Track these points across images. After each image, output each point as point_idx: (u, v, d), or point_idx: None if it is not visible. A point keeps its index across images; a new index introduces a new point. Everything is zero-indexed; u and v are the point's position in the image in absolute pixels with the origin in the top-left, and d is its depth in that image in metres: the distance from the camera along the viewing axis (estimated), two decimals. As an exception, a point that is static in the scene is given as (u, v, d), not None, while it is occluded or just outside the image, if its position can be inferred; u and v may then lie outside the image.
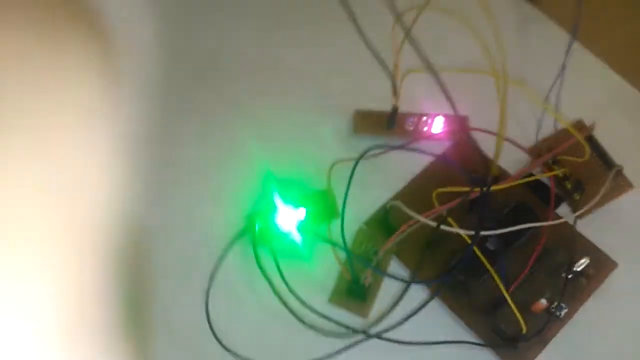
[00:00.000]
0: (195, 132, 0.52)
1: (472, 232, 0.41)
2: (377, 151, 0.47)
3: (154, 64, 0.55)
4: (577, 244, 0.45)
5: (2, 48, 0.40)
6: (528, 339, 0.42)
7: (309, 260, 0.46)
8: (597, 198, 0.44)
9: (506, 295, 0.42)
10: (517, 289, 0.43)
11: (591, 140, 0.48)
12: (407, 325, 0.43)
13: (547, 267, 0.44)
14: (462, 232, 0.42)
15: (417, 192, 0.48)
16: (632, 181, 0.48)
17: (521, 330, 0.42)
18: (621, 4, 0.57)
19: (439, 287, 0.44)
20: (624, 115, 0.51)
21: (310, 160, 0.50)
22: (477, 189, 0.42)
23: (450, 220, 0.44)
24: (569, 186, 0.47)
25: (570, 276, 0.44)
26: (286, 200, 0.46)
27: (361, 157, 0.47)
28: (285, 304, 0.44)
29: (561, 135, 0.49)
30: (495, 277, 0.42)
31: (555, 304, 0.43)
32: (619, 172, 0.47)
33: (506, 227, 0.42)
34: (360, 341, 0.43)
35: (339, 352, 0.43)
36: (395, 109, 0.49)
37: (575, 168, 0.47)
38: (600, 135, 0.49)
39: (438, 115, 0.50)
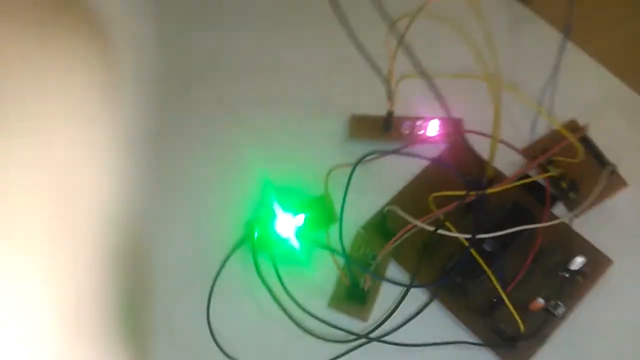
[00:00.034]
0: (193, 140, 0.53)
1: (469, 236, 0.42)
2: (373, 156, 0.48)
3: (153, 66, 0.56)
4: (573, 243, 0.46)
5: (3, 49, 0.41)
6: (526, 338, 0.42)
7: (308, 266, 0.47)
8: (592, 197, 0.45)
9: (503, 295, 0.42)
10: (515, 289, 0.44)
11: (585, 140, 0.49)
12: (406, 328, 0.44)
13: (544, 267, 0.45)
14: (459, 235, 0.42)
15: (413, 196, 0.48)
16: (627, 179, 0.48)
17: (519, 329, 0.42)
18: (614, 3, 0.57)
19: (438, 290, 0.45)
20: (618, 113, 0.52)
21: (307, 166, 0.50)
22: (473, 193, 0.43)
23: (447, 223, 0.44)
24: (564, 186, 0.48)
25: (567, 275, 0.44)
26: (284, 207, 0.47)
27: (358, 162, 0.47)
28: (285, 310, 0.44)
29: (555, 136, 0.49)
30: (493, 279, 0.42)
31: (553, 302, 0.43)
32: (613, 171, 0.48)
33: (503, 228, 0.42)
34: (361, 345, 0.44)
35: (340, 356, 0.44)
36: (390, 114, 0.50)
37: (570, 168, 0.47)
38: (594, 134, 0.49)
39: (433, 118, 0.51)
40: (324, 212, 0.48)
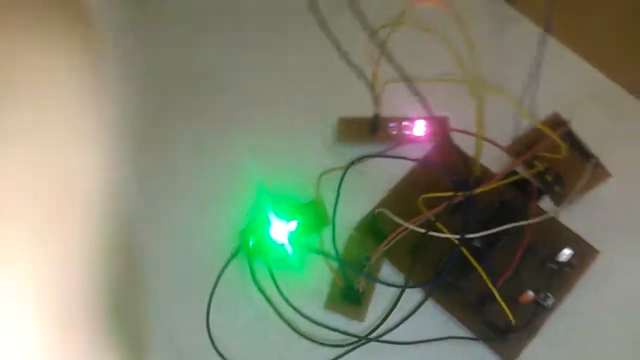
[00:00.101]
0: (185, 150, 0.54)
1: (459, 236, 0.43)
2: (364, 160, 0.49)
3: (144, 75, 0.57)
4: (561, 235, 0.47)
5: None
6: (518, 330, 0.44)
7: (301, 271, 0.48)
8: (577, 189, 0.46)
9: (494, 290, 0.43)
10: (505, 283, 0.45)
11: (569, 134, 0.50)
12: (402, 327, 0.45)
13: (533, 260, 0.46)
14: (449, 236, 0.43)
15: (402, 197, 0.49)
16: (610, 170, 0.49)
17: (510, 322, 0.43)
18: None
19: (432, 289, 0.46)
20: (600, 105, 0.53)
21: (297, 170, 0.51)
22: (461, 194, 0.44)
23: (438, 224, 0.46)
24: (549, 179, 0.49)
25: (555, 267, 0.45)
26: (278, 213, 0.48)
27: (349, 166, 0.48)
28: (282, 314, 0.46)
29: (539, 131, 0.49)
30: (483, 275, 0.44)
31: (542, 294, 0.44)
32: (597, 164, 0.49)
33: (491, 224, 0.43)
34: (358, 346, 0.45)
35: (339, 356, 0.45)
36: (377, 116, 0.51)
37: (554, 162, 0.48)
38: (577, 127, 0.50)
39: (419, 118, 0.52)
40: (316, 216, 0.49)
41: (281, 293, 0.46)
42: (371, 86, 0.47)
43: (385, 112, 0.51)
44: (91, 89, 0.58)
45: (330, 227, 0.48)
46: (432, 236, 0.44)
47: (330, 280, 0.47)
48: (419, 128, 0.52)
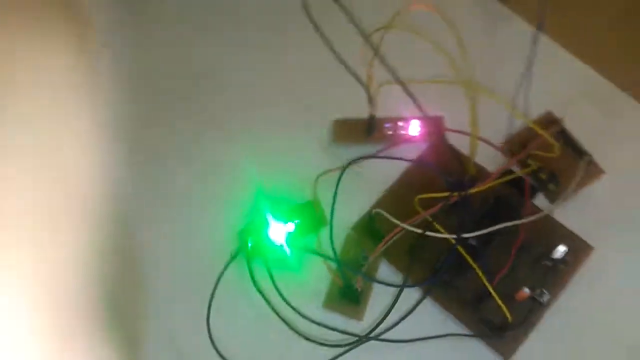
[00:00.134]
0: (181, 154, 0.54)
1: (455, 236, 0.43)
2: (360, 161, 0.50)
3: (142, 77, 0.57)
4: (555, 232, 0.48)
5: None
6: (514, 327, 0.44)
7: (300, 271, 0.48)
8: (571, 187, 0.46)
9: (490, 288, 0.44)
10: (501, 280, 0.45)
11: (562, 132, 0.50)
12: (401, 325, 0.46)
13: (528, 257, 0.47)
14: (445, 236, 0.44)
15: (398, 197, 0.50)
16: (604, 167, 0.50)
17: (507, 319, 0.44)
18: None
19: (429, 288, 0.47)
20: (592, 103, 0.53)
21: (294, 172, 0.52)
22: (456, 194, 0.44)
23: (435, 224, 0.46)
24: (543, 177, 0.49)
25: (550, 264, 0.46)
26: (276, 214, 0.48)
27: (346, 167, 0.49)
28: (282, 315, 0.46)
29: (533, 129, 0.50)
30: (479, 273, 0.44)
31: (538, 291, 0.45)
32: (590, 161, 0.49)
33: (487, 223, 0.44)
34: (358, 344, 0.46)
35: (338, 356, 0.45)
36: (372, 117, 0.51)
37: (548, 160, 0.49)
38: (570, 124, 0.51)
39: (414, 118, 0.52)
40: (314, 216, 0.50)
41: (280, 293, 0.46)
42: (366, 88, 0.47)
43: (380, 113, 0.51)
44: (86, 90, 0.59)
45: (328, 227, 0.48)
46: (428, 236, 0.45)
47: (329, 280, 0.48)
48: (414, 128, 0.52)
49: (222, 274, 0.48)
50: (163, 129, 0.55)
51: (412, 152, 0.52)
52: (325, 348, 0.45)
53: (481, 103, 0.44)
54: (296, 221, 0.48)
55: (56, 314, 0.48)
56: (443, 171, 0.48)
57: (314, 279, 0.48)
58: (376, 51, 0.41)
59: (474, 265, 0.45)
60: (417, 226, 0.45)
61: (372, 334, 0.46)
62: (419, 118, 0.52)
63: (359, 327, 0.46)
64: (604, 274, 0.47)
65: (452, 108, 0.48)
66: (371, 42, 0.41)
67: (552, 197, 0.49)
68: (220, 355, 0.46)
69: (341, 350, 0.45)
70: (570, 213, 0.48)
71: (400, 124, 0.53)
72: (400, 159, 0.50)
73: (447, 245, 0.45)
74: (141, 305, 0.48)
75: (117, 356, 0.46)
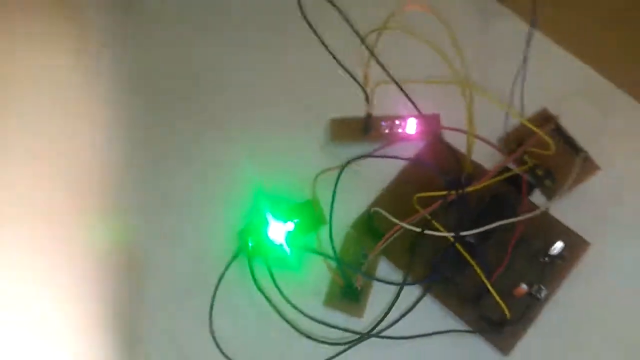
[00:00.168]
0: (180, 156, 0.54)
1: (453, 234, 0.44)
2: (358, 160, 0.50)
3: (142, 77, 0.57)
4: (552, 229, 0.48)
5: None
6: (513, 323, 0.45)
7: (300, 270, 0.49)
8: (567, 184, 0.47)
9: (488, 285, 0.44)
10: (499, 277, 0.46)
11: (557, 128, 0.51)
12: (401, 322, 0.46)
13: (526, 253, 0.47)
14: (444, 234, 0.44)
15: (396, 195, 0.51)
16: (599, 163, 0.50)
17: (506, 315, 0.45)
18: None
19: (429, 285, 0.47)
20: (587, 99, 0.54)
21: (292, 171, 0.52)
22: (454, 193, 0.45)
23: (434, 222, 0.47)
24: (540, 173, 0.50)
25: (547, 260, 0.47)
26: (276, 214, 0.49)
27: (345, 166, 0.49)
28: (283, 314, 0.47)
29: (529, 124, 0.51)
30: (478, 271, 0.45)
31: (536, 287, 0.46)
32: (586, 158, 0.50)
33: (484, 219, 0.44)
34: (359, 342, 0.46)
35: (340, 353, 0.46)
36: (369, 116, 0.52)
37: (544, 157, 0.49)
38: (565, 121, 0.52)
39: (411, 116, 0.53)
40: (313, 215, 0.50)
41: (281, 292, 0.47)
42: (362, 87, 0.47)
43: (377, 112, 0.52)
44: (86, 90, 0.59)
45: (328, 226, 0.49)
46: (427, 233, 0.45)
47: (329, 279, 0.48)
48: (411, 126, 0.53)
49: (223, 273, 0.48)
50: (163, 129, 0.55)
51: (409, 151, 0.52)
52: (327, 346, 0.46)
53: (477, 101, 0.44)
54: (296, 220, 0.49)
55: (63, 315, 0.48)
56: (440, 169, 0.48)
57: (314, 278, 0.48)
58: (372, 52, 0.42)
59: (473, 263, 0.45)
60: (416, 224, 0.45)
61: (374, 331, 0.46)
62: (415, 116, 0.52)
63: (360, 324, 0.47)
64: (600, 269, 0.48)
65: (448, 106, 0.48)
66: (367, 44, 0.42)
67: (549, 194, 0.50)
68: (223, 354, 0.46)
69: (343, 347, 0.46)
70: (566, 209, 0.49)
71: (397, 122, 0.53)
72: (398, 157, 0.51)
73: (446, 243, 0.45)
74: (143, 305, 0.49)
75: (119, 356, 0.47)
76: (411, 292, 0.47)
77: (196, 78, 0.58)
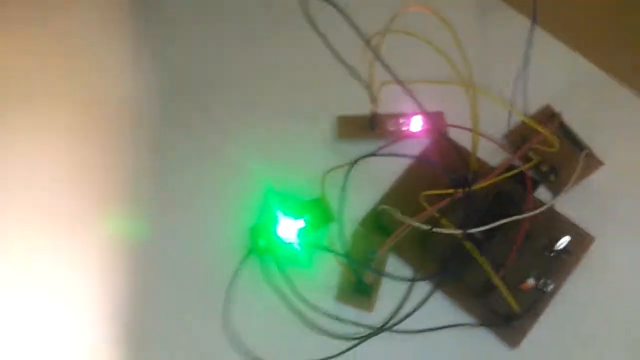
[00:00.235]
0: (186, 156, 0.55)
1: (461, 231, 0.44)
2: (366, 158, 0.51)
3: (152, 80, 0.58)
4: (557, 224, 0.49)
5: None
6: (520, 316, 0.46)
7: (310, 267, 0.49)
8: (572, 180, 0.47)
9: (496, 280, 0.45)
10: (507, 272, 0.46)
11: (560, 125, 0.51)
12: (411, 317, 0.47)
13: (532, 248, 0.48)
14: (452, 232, 0.45)
15: (403, 192, 0.51)
16: (602, 157, 0.51)
17: (513, 309, 0.45)
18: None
19: (439, 281, 0.48)
20: (589, 94, 0.55)
21: (300, 169, 0.53)
22: (461, 190, 0.46)
23: (442, 221, 0.47)
24: (544, 169, 0.51)
25: (553, 254, 0.48)
26: (285, 211, 0.49)
27: (353, 164, 0.50)
28: (296, 311, 0.47)
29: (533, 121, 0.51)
30: (486, 267, 0.46)
31: (542, 281, 0.47)
32: (589, 153, 0.50)
33: (490, 215, 0.45)
34: (372, 336, 0.47)
35: (352, 347, 0.46)
36: (374, 114, 0.53)
37: (548, 153, 0.50)
38: (568, 116, 0.52)
39: (416, 114, 0.54)
40: (322, 212, 0.51)
41: (294, 289, 0.48)
42: (368, 86, 0.48)
43: (383, 110, 0.52)
44: (102, 91, 0.60)
45: (337, 223, 0.49)
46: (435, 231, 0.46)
47: (339, 274, 0.49)
48: (416, 124, 0.53)
49: (236, 271, 0.49)
50: (175, 129, 0.56)
51: (415, 148, 0.53)
52: (340, 340, 0.47)
53: (480, 99, 0.45)
54: (305, 218, 0.50)
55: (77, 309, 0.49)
56: (446, 167, 0.49)
57: (325, 274, 0.49)
58: (376, 54, 0.42)
59: (480, 259, 0.46)
60: (423, 221, 0.46)
61: (387, 326, 0.47)
62: (420, 114, 0.53)
63: (370, 318, 0.48)
64: (605, 263, 0.49)
65: (452, 105, 0.49)
66: (371, 46, 0.42)
67: (553, 189, 0.50)
68: (236, 350, 0.47)
69: (356, 342, 0.46)
70: (571, 204, 0.50)
71: (402, 120, 0.54)
72: (405, 156, 0.51)
73: (453, 239, 0.46)
74: (155, 302, 0.49)
75: (133, 350, 0.48)
76: (420, 287, 0.48)
77: (207, 78, 0.58)
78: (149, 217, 0.53)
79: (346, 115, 0.55)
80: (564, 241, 0.47)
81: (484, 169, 0.50)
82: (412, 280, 0.48)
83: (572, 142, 0.51)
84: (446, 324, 0.47)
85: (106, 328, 0.48)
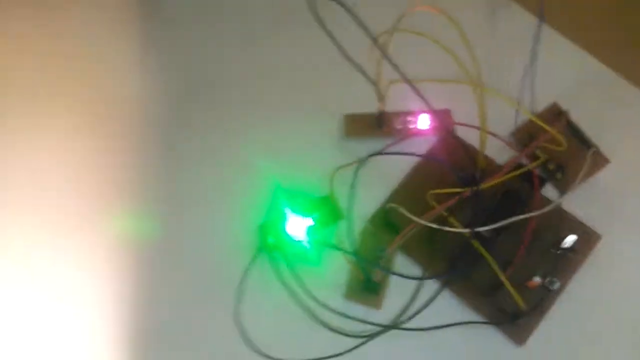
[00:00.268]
0: (196, 155, 0.55)
1: (469, 230, 0.45)
2: (375, 156, 0.51)
3: (162, 80, 0.58)
4: (564, 222, 0.49)
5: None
6: (527, 314, 0.46)
7: (319, 265, 0.50)
8: (579, 178, 0.48)
9: (503, 278, 0.46)
10: (514, 270, 0.47)
11: (568, 123, 0.52)
12: (419, 314, 0.48)
13: (538, 246, 0.49)
14: (460, 230, 0.45)
15: (411, 190, 0.52)
16: (609, 155, 0.51)
17: (520, 307, 0.46)
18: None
19: (447, 280, 0.48)
20: (596, 91, 0.55)
21: (307, 167, 0.53)
22: (469, 189, 0.46)
23: (450, 219, 0.48)
24: (551, 167, 0.51)
25: (559, 252, 0.48)
26: (294, 209, 0.50)
27: (362, 162, 0.50)
28: (306, 308, 0.48)
29: (540, 119, 0.51)
30: (494, 266, 0.46)
31: (549, 279, 0.47)
32: (596, 151, 0.51)
33: (497, 214, 0.45)
34: (382, 333, 0.47)
35: (362, 344, 0.47)
36: (382, 112, 0.53)
37: (555, 151, 0.50)
38: (575, 114, 0.53)
39: (423, 112, 0.54)
40: (331, 210, 0.51)
41: (304, 287, 0.48)
42: (375, 85, 0.48)
43: (390, 108, 0.53)
44: (110, 91, 0.60)
45: (346, 221, 0.50)
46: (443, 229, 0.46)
47: (348, 272, 0.49)
48: (424, 122, 0.54)
49: (246, 269, 0.49)
50: (185, 128, 0.56)
51: (422, 146, 0.53)
52: (349, 338, 0.47)
53: (487, 97, 0.45)
54: (314, 216, 0.50)
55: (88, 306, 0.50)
56: (454, 165, 0.49)
57: (334, 271, 0.50)
58: (384, 53, 0.43)
59: (488, 257, 0.46)
60: (431, 219, 0.46)
61: (392, 323, 0.47)
62: (427, 112, 0.53)
63: (378, 316, 0.48)
64: (611, 261, 0.49)
65: (459, 103, 0.49)
66: (379, 45, 0.42)
67: (560, 187, 0.51)
68: (248, 345, 0.47)
69: (365, 339, 0.47)
70: (577, 202, 0.50)
71: (409, 118, 0.54)
72: (412, 154, 0.52)
73: (461, 238, 0.47)
74: (167, 299, 0.50)
75: (143, 353, 0.48)
76: (428, 285, 0.48)
77: (215, 78, 0.58)
78: (157, 216, 0.53)
79: (354, 114, 0.55)
80: (570, 239, 0.47)
81: (491, 167, 0.50)
82: (421, 279, 0.48)
83: (579, 140, 0.51)
84: (454, 321, 0.47)
85: (115, 327, 0.49)
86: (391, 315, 0.48)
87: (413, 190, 0.51)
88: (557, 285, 0.47)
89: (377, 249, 0.49)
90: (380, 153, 0.52)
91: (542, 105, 0.53)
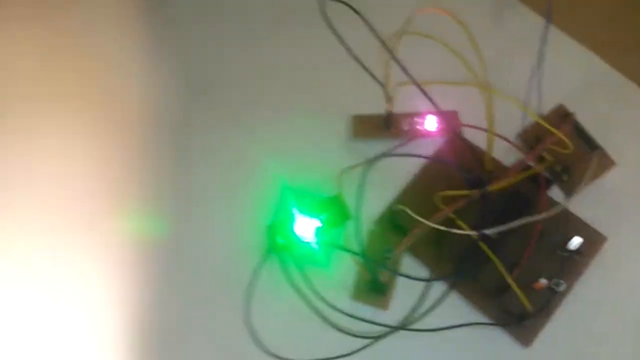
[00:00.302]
0: (204, 156, 0.56)
1: (476, 232, 0.45)
2: (382, 157, 0.52)
3: (162, 84, 0.58)
4: (570, 224, 0.50)
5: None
6: (533, 315, 0.47)
7: (327, 266, 0.50)
8: (584, 180, 0.48)
9: (510, 280, 0.46)
10: (520, 271, 0.47)
11: (574, 125, 0.52)
12: (426, 316, 0.48)
13: (545, 248, 0.49)
14: (467, 232, 0.45)
15: (418, 192, 0.52)
16: (615, 158, 0.52)
17: (526, 308, 0.46)
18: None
19: (454, 282, 0.49)
20: (603, 93, 0.55)
21: (315, 168, 0.54)
22: (477, 191, 0.46)
23: (458, 221, 0.48)
24: (557, 169, 0.51)
25: (566, 254, 0.48)
26: (302, 210, 0.50)
27: (372, 162, 0.50)
28: (315, 308, 0.48)
29: (547, 121, 0.51)
30: (500, 267, 0.46)
31: (555, 281, 0.47)
32: (602, 153, 0.51)
33: (504, 215, 0.45)
34: (389, 334, 0.48)
35: (369, 345, 0.47)
36: (389, 113, 0.53)
37: (562, 153, 0.50)
38: (582, 116, 0.53)
39: (430, 113, 0.54)
40: (338, 211, 0.51)
41: (312, 288, 0.48)
42: (383, 86, 0.49)
43: (398, 109, 0.53)
44: (118, 92, 0.61)
45: (353, 222, 0.50)
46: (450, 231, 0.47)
47: (355, 273, 0.50)
48: (431, 123, 0.54)
49: (257, 269, 0.49)
50: (193, 128, 0.57)
51: (429, 147, 0.53)
52: (357, 338, 0.47)
53: (495, 98, 0.46)
54: (322, 216, 0.50)
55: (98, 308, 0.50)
56: (461, 167, 0.49)
57: (341, 272, 0.50)
58: (392, 55, 0.43)
59: (495, 259, 0.46)
60: (439, 221, 0.46)
61: (400, 324, 0.48)
62: (434, 113, 0.54)
63: (385, 316, 0.48)
64: (618, 263, 0.49)
65: (466, 104, 0.49)
66: (387, 47, 0.43)
67: (566, 189, 0.51)
68: (257, 345, 0.48)
69: (373, 340, 0.47)
70: (583, 205, 0.50)
71: (417, 119, 0.54)
72: (420, 156, 0.52)
73: (468, 240, 0.47)
74: (178, 300, 0.50)
75: (153, 354, 0.48)
76: (435, 287, 0.49)
77: (224, 78, 0.59)
78: (165, 216, 0.53)
79: (361, 115, 0.55)
80: (576, 241, 0.48)
81: (498, 169, 0.51)
82: (428, 280, 0.49)
83: (585, 142, 0.52)
84: (460, 323, 0.48)
85: (125, 328, 0.49)
86: (399, 317, 0.48)
87: (420, 192, 0.51)
88: (563, 287, 0.47)
89: (385, 250, 0.50)
90: (388, 155, 0.52)
91: (548, 106, 0.54)
